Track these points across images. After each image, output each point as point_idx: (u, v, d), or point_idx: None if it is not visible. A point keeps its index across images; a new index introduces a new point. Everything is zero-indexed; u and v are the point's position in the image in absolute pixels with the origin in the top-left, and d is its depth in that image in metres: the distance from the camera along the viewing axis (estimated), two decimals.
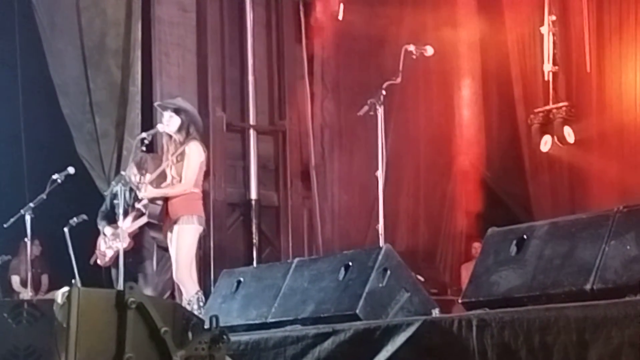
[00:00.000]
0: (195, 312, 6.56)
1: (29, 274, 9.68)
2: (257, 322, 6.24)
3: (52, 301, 3.95)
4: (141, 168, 8.28)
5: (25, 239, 8.82)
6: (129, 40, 11.19)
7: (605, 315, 4.03)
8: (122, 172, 8.77)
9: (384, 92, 7.76)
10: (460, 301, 5.32)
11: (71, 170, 8.60)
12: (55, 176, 8.51)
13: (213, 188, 11.39)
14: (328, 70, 12.66)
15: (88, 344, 3.81)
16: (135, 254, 8.61)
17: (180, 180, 7.22)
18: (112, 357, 3.83)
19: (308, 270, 6.26)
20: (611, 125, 10.18)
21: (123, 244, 8.09)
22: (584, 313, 4.13)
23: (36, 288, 11.06)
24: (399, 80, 7.93)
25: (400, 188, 11.82)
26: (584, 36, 10.33)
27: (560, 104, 10.56)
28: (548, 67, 10.63)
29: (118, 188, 8.22)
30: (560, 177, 10.76)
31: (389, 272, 5.75)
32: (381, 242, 7.32)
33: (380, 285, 5.72)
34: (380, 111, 7.71)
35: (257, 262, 11.58)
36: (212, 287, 8.18)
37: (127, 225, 8.51)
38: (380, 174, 7.70)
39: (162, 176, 7.40)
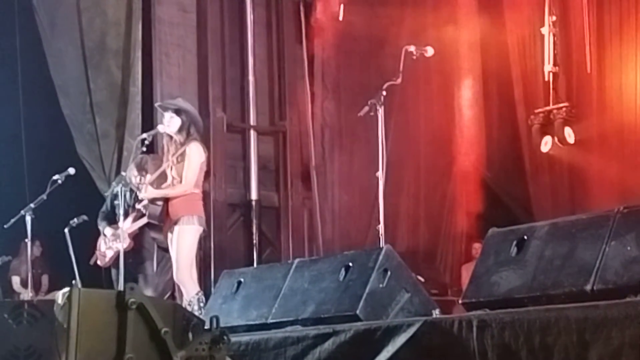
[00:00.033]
0: (196, 313, 6.57)
1: (30, 275, 9.68)
2: (257, 322, 6.24)
3: (53, 302, 3.95)
4: (141, 169, 8.28)
5: (26, 240, 8.81)
6: (129, 40, 11.19)
7: (605, 315, 4.03)
8: (123, 173, 8.77)
9: (384, 93, 7.77)
10: (460, 302, 5.32)
11: (72, 171, 8.60)
12: (55, 177, 8.51)
13: (213, 188, 11.39)
14: (328, 70, 12.65)
15: (88, 345, 3.81)
16: (136, 254, 8.61)
17: (181, 181, 7.22)
18: (112, 357, 3.83)
19: (308, 271, 6.26)
20: (611, 125, 10.17)
21: (123, 244, 8.09)
22: (584, 314, 4.13)
23: (36, 289, 11.06)
24: (399, 80, 7.93)
25: (400, 188, 11.82)
26: (584, 37, 10.33)
27: (561, 105, 10.56)
28: (548, 67, 10.62)
29: (118, 189, 8.23)
30: (561, 177, 10.76)
31: (389, 272, 5.75)
32: (381, 243, 7.32)
33: (381, 285, 5.72)
34: (380, 112, 7.71)
35: (258, 263, 11.58)
36: (212, 288, 8.17)
37: (127, 225, 8.51)
38: (380, 174, 7.70)
39: (163, 177, 7.41)
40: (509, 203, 11.42)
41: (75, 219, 8.50)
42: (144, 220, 8.22)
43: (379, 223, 7.60)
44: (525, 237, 5.02)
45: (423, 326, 4.82)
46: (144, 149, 7.60)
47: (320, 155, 12.51)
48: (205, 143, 7.65)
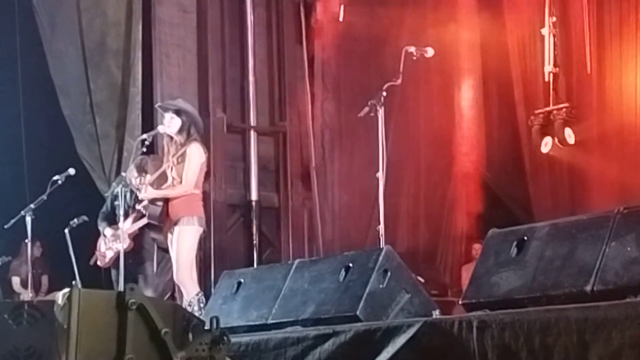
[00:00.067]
0: (196, 314, 6.57)
1: (30, 275, 9.68)
2: (257, 323, 6.24)
3: (53, 302, 3.95)
4: (141, 170, 8.27)
5: (26, 240, 8.81)
6: (129, 41, 11.20)
7: (605, 316, 4.03)
8: (123, 174, 8.77)
9: (384, 93, 7.77)
10: (460, 302, 5.32)
11: (72, 171, 8.59)
12: (55, 177, 8.51)
13: (213, 189, 11.40)
14: (328, 71, 12.65)
15: (88, 345, 3.81)
16: (136, 255, 8.60)
17: (181, 182, 7.22)
18: (112, 358, 3.83)
19: (308, 272, 6.26)
20: (611, 126, 10.17)
21: (123, 245, 8.09)
22: (584, 314, 4.13)
23: (36, 289, 11.06)
24: (399, 81, 7.93)
25: (400, 189, 11.82)
26: (584, 37, 10.33)
27: (561, 105, 10.56)
28: (548, 68, 10.62)
29: (119, 189, 8.22)
30: (561, 178, 10.76)
31: (389, 273, 5.75)
32: (381, 243, 7.32)
33: (381, 286, 5.72)
34: (380, 112, 7.71)
35: (258, 263, 11.58)
36: (212, 288, 8.17)
37: (128, 226, 8.51)
38: (380, 175, 7.70)
39: (163, 177, 7.41)
40: (509, 204, 11.42)
41: (75, 220, 8.50)
42: (144, 221, 8.21)
43: (379, 223, 7.59)
44: (525, 238, 5.02)
45: (423, 327, 4.82)
46: (144, 149, 7.59)
47: (320, 155, 12.51)
48: (205, 143, 7.65)
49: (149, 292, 8.28)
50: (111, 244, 8.70)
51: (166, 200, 7.24)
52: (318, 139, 12.48)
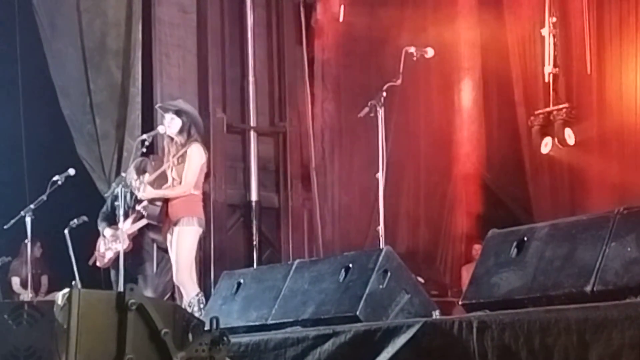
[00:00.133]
0: (196, 314, 6.57)
1: (29, 276, 9.68)
2: (257, 323, 6.24)
3: (53, 302, 3.95)
4: (141, 172, 8.27)
5: (26, 241, 8.81)
6: (129, 41, 11.20)
7: (605, 316, 4.03)
8: (123, 174, 8.77)
9: (384, 94, 7.76)
10: (460, 303, 5.31)
11: (72, 171, 8.59)
12: (55, 178, 8.50)
13: (213, 189, 11.40)
14: (328, 71, 12.65)
15: (88, 346, 3.81)
16: (135, 255, 8.60)
17: (181, 182, 7.22)
18: (112, 358, 3.83)
19: (308, 272, 6.26)
20: (611, 126, 10.17)
21: (123, 245, 8.09)
22: (584, 315, 4.13)
23: (36, 289, 11.06)
24: (399, 82, 7.93)
25: (400, 189, 11.81)
26: (584, 38, 10.32)
27: (561, 106, 10.54)
28: (548, 68, 10.61)
29: (118, 190, 8.22)
30: (561, 178, 10.75)
31: (389, 273, 5.75)
32: (381, 244, 7.32)
33: (381, 286, 5.71)
34: (380, 113, 7.71)
35: (258, 264, 11.58)
36: (212, 289, 8.16)
37: (127, 227, 8.50)
38: (380, 175, 7.70)
39: (163, 178, 7.41)
40: (509, 204, 11.41)
41: (75, 220, 8.49)
42: (144, 222, 8.22)
43: (379, 224, 7.59)
44: (525, 238, 5.02)
45: (423, 327, 4.82)
46: (144, 149, 7.60)
47: (320, 156, 12.51)
48: (205, 144, 7.65)
49: (148, 293, 8.28)
50: (111, 245, 8.70)
51: (166, 201, 7.24)
52: (318, 139, 12.48)
